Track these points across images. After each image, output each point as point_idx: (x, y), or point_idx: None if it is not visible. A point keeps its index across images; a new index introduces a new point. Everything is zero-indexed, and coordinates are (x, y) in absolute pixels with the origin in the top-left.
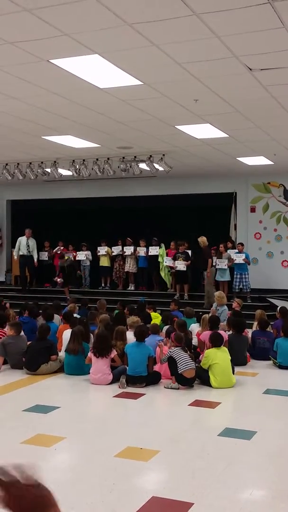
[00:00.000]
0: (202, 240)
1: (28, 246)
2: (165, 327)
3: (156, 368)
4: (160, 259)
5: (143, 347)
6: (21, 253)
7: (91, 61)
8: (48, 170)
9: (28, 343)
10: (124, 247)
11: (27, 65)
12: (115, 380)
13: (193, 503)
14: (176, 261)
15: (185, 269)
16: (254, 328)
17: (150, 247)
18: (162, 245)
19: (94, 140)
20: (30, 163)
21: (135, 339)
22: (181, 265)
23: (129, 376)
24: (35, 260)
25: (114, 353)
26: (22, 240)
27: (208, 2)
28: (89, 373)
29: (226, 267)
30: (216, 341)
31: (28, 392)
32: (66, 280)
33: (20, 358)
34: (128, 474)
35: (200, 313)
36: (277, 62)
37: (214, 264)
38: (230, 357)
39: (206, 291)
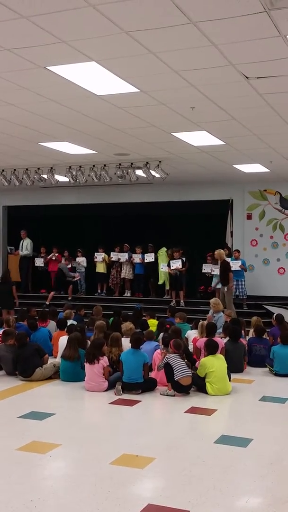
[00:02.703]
0: (219, 254)
1: (22, 246)
2: (161, 334)
3: (152, 375)
4: (160, 259)
5: (138, 354)
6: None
7: (88, 68)
8: (45, 176)
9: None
10: (120, 254)
11: (24, 72)
12: (110, 387)
13: (189, 511)
14: (171, 262)
15: (180, 266)
16: (250, 335)
17: (146, 254)
18: (164, 249)
19: (91, 146)
20: (27, 169)
21: (130, 346)
22: (176, 264)
23: (125, 383)
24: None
25: (105, 361)
26: (20, 242)
27: (205, 10)
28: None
29: None
30: (211, 348)
31: (23, 399)
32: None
33: (14, 366)
34: (124, 481)
35: (200, 320)
36: (274, 71)
37: (211, 271)
38: (226, 365)
39: (229, 307)
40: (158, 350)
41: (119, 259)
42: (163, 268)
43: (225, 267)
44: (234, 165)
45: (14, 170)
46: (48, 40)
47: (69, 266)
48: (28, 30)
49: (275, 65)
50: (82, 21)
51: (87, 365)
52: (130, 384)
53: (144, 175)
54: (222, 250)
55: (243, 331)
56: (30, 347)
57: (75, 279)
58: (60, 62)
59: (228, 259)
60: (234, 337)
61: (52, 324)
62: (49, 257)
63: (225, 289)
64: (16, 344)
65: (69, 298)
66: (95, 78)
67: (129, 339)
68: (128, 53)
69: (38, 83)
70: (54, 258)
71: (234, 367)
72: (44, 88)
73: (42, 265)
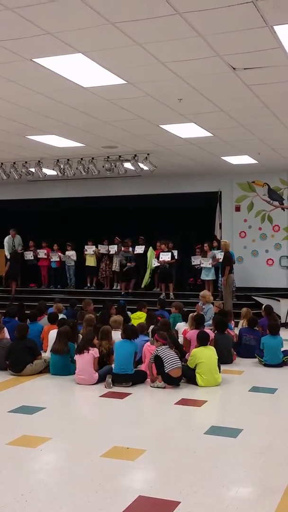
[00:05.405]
0: (226, 244)
1: (14, 245)
2: (151, 327)
3: (143, 367)
4: (148, 261)
5: (130, 344)
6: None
7: (75, 60)
8: (32, 169)
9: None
10: (110, 246)
11: (10, 64)
12: (101, 380)
13: (179, 502)
14: (161, 254)
15: (169, 259)
16: (240, 326)
17: (136, 246)
18: (151, 248)
19: (79, 139)
20: (14, 162)
21: (122, 337)
22: (165, 257)
23: (115, 374)
24: (19, 251)
25: (96, 352)
26: (9, 240)
27: (191, 1)
28: (75, 373)
29: (210, 266)
30: (202, 340)
31: (13, 393)
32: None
33: (3, 360)
34: (115, 473)
35: (185, 310)
36: (261, 62)
37: (200, 263)
38: (217, 356)
39: (225, 299)
40: (148, 343)
41: (108, 251)
42: (155, 264)
43: (225, 259)
44: (222, 157)
45: (1, 163)
46: (34, 32)
47: (58, 259)
48: (14, 22)
49: (262, 56)
50: (68, 12)
51: (77, 356)
52: (121, 375)
53: (132, 168)
54: (228, 241)
55: (232, 322)
56: (27, 343)
57: (131, 265)
58: (46, 54)
59: (217, 251)
60: (221, 329)
61: (45, 319)
62: (39, 256)
63: (221, 280)
64: (16, 335)
65: (130, 291)
66: (81, 70)
67: (117, 332)
68: (114, 44)
69: (24, 76)
70: (45, 255)
71: (223, 358)
72: (30, 81)
73: (32, 258)
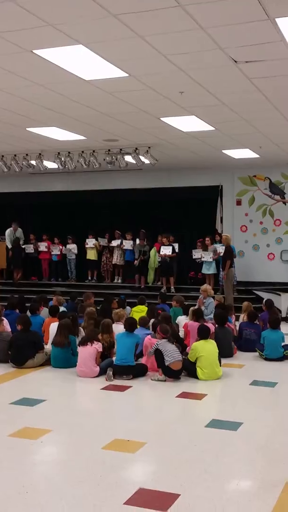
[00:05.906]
0: (227, 239)
1: (15, 237)
2: (152, 320)
3: (143, 360)
4: (151, 259)
5: (132, 336)
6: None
7: (76, 52)
8: (33, 162)
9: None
10: (112, 240)
11: (11, 56)
12: (102, 373)
13: (180, 494)
14: (162, 247)
15: (170, 253)
16: (241, 320)
17: (137, 239)
18: (154, 248)
19: (80, 132)
20: (15, 155)
21: (124, 331)
22: (166, 250)
23: (117, 366)
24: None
25: (99, 347)
26: (10, 234)
27: None
28: (76, 366)
29: (211, 260)
30: (203, 333)
31: (15, 385)
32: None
33: (5, 352)
34: (116, 466)
35: (185, 304)
36: (262, 55)
37: (201, 257)
38: (217, 350)
39: (226, 293)
40: (149, 336)
41: (109, 244)
42: (160, 259)
43: (226, 253)
44: (223, 151)
45: (2, 156)
46: (34, 23)
47: (59, 253)
48: (14, 13)
49: (264, 49)
50: (69, 3)
51: (80, 348)
52: (122, 366)
53: (133, 161)
54: (229, 235)
55: (233, 316)
56: (30, 336)
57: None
58: (47, 46)
59: (219, 245)
60: (221, 322)
61: (44, 311)
62: (40, 249)
63: (221, 274)
64: (19, 327)
65: (142, 286)
66: (83, 62)
67: (119, 325)
68: (115, 36)
69: (25, 67)
70: (46, 248)
71: (223, 352)
72: (31, 73)
73: (32, 251)
